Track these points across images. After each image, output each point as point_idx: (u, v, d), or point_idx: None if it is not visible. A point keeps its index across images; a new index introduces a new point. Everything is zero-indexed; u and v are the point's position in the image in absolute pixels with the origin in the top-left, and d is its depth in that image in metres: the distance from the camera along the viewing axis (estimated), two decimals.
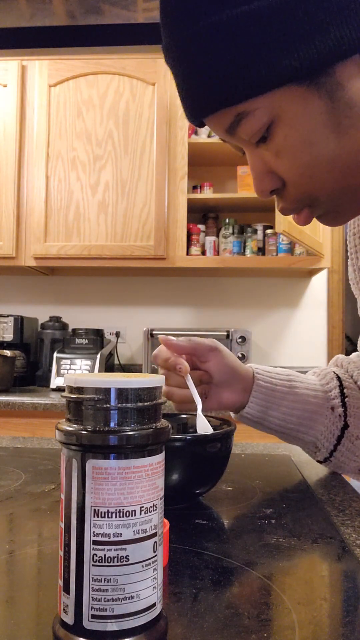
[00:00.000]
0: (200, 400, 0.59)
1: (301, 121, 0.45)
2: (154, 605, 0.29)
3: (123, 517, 0.28)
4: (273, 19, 0.42)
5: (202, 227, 2.15)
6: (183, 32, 0.44)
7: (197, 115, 0.48)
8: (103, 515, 0.28)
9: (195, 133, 2.10)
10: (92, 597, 0.27)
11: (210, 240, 2.12)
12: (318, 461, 0.68)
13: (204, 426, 0.57)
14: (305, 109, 0.44)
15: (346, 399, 0.65)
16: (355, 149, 0.46)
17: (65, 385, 0.30)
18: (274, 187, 0.50)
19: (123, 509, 0.28)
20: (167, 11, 0.46)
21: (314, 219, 0.54)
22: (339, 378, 0.67)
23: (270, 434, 0.67)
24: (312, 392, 0.65)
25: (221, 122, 0.48)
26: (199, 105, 0.47)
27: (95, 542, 0.28)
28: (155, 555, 0.29)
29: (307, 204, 0.50)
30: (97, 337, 1.99)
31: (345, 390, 0.66)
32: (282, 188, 0.50)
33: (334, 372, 0.69)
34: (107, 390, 0.28)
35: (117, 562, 0.28)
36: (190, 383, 0.60)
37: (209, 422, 0.64)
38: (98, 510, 0.28)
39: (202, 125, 0.50)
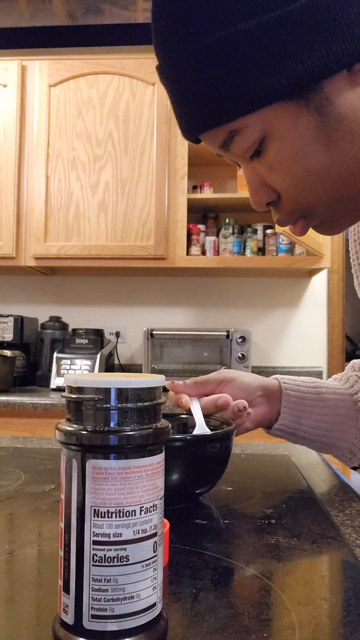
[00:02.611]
0: (204, 426, 0.59)
1: (292, 136, 0.46)
2: (154, 605, 0.29)
3: (123, 517, 0.28)
4: (261, 39, 0.43)
5: (202, 227, 2.15)
6: (174, 53, 0.46)
7: (191, 133, 0.50)
8: (103, 515, 0.28)
9: None
10: (92, 597, 0.27)
11: (210, 240, 2.12)
12: (353, 468, 0.69)
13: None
14: (296, 125, 0.46)
15: None
16: (346, 161, 0.47)
17: (65, 385, 0.30)
18: (270, 200, 0.52)
19: (123, 509, 0.28)
20: (159, 33, 0.47)
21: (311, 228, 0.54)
22: None
23: (305, 445, 0.67)
24: (339, 396, 0.66)
25: (215, 139, 0.49)
26: (192, 123, 0.48)
27: (95, 542, 0.28)
28: (155, 555, 0.29)
29: (303, 215, 0.52)
30: (97, 337, 1.99)
31: None
32: (277, 200, 0.52)
33: (357, 375, 0.69)
34: (107, 390, 0.28)
35: (117, 562, 0.28)
36: (196, 410, 0.60)
37: (208, 421, 0.64)
38: (98, 510, 0.28)
39: (197, 141, 0.52)
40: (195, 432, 0.58)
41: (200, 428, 0.58)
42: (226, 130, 0.47)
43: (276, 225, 1.67)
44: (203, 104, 0.46)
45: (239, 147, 0.48)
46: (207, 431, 0.58)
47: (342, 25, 0.43)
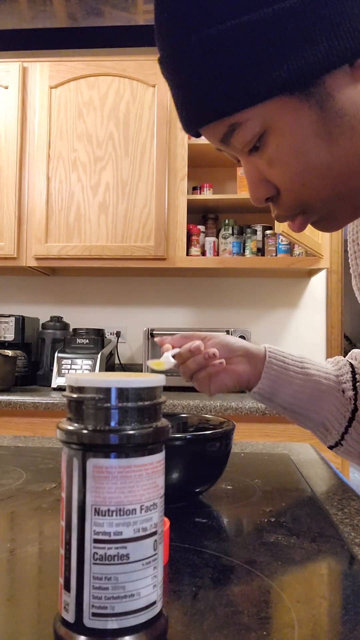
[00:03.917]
0: (168, 357, 0.62)
1: (292, 131, 0.46)
2: (154, 603, 0.29)
3: (123, 515, 0.28)
4: (262, 32, 0.43)
5: (202, 227, 2.15)
6: (176, 46, 0.46)
7: (192, 126, 0.50)
8: (104, 514, 0.28)
9: None
10: (92, 595, 0.28)
11: (210, 240, 2.12)
12: (329, 447, 0.69)
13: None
14: (296, 119, 0.46)
15: (357, 384, 0.67)
16: (346, 157, 0.47)
17: (66, 384, 0.30)
18: (269, 195, 0.52)
19: (123, 508, 0.28)
20: (161, 25, 0.47)
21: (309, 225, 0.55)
22: (352, 366, 0.69)
23: (282, 414, 0.67)
24: (324, 374, 0.66)
25: (216, 132, 0.49)
26: (193, 116, 0.49)
27: (95, 541, 0.28)
28: (156, 554, 0.29)
29: (301, 210, 0.52)
30: (97, 337, 2.00)
31: (357, 376, 0.67)
32: (276, 196, 0.52)
33: (348, 361, 0.70)
34: (107, 390, 0.28)
35: (118, 560, 0.28)
36: (169, 352, 0.63)
37: (208, 420, 0.65)
38: (99, 508, 0.28)
39: (198, 135, 0.52)
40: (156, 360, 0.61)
41: (165, 358, 0.61)
42: (227, 124, 0.47)
43: (275, 226, 1.67)
44: (204, 96, 0.46)
45: (239, 141, 0.48)
46: (171, 360, 0.61)
47: (345, 19, 0.43)
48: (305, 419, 0.67)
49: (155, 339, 0.67)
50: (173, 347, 0.64)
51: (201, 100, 0.47)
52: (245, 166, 0.52)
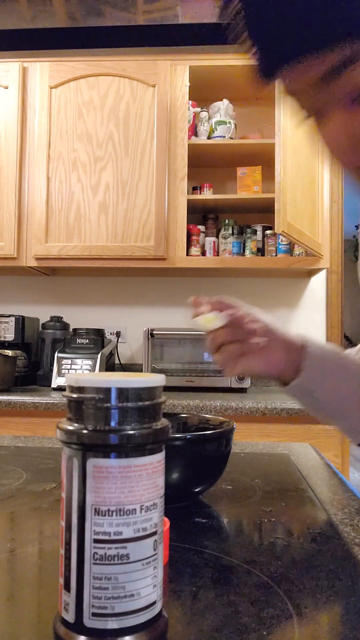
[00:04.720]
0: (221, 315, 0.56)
1: None
2: (154, 603, 0.29)
3: (123, 515, 0.28)
4: None
5: (202, 227, 2.15)
6: None
7: (288, 57, 0.37)
8: (104, 514, 0.28)
9: (195, 134, 2.10)
10: (92, 595, 0.28)
11: (210, 240, 2.12)
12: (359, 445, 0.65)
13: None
14: None
15: None
16: None
17: (66, 384, 0.30)
18: None
19: (123, 508, 0.28)
20: None
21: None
22: None
23: (316, 412, 0.62)
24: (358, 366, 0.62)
25: (318, 67, 0.37)
26: (294, 45, 0.36)
27: (95, 541, 0.28)
28: (156, 554, 0.29)
29: None
30: (97, 337, 2.00)
31: None
32: None
33: None
34: (107, 390, 0.28)
35: (118, 560, 0.28)
36: (208, 313, 0.58)
37: (208, 420, 0.65)
38: (99, 508, 0.28)
39: (273, 79, 0.39)
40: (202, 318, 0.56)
41: (215, 314, 0.56)
42: (338, 55, 0.35)
43: (275, 226, 1.67)
44: (318, 17, 0.34)
45: (347, 83, 0.36)
46: (223, 319, 0.55)
47: None
48: (341, 417, 0.61)
49: (188, 300, 0.60)
50: (212, 310, 0.58)
51: (315, 22, 0.34)
52: (338, 122, 0.39)
